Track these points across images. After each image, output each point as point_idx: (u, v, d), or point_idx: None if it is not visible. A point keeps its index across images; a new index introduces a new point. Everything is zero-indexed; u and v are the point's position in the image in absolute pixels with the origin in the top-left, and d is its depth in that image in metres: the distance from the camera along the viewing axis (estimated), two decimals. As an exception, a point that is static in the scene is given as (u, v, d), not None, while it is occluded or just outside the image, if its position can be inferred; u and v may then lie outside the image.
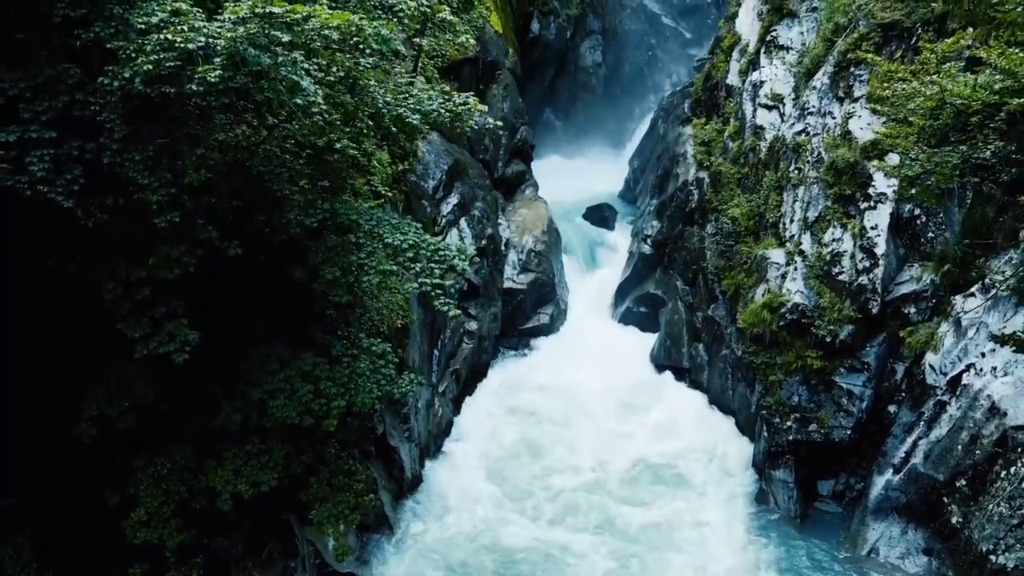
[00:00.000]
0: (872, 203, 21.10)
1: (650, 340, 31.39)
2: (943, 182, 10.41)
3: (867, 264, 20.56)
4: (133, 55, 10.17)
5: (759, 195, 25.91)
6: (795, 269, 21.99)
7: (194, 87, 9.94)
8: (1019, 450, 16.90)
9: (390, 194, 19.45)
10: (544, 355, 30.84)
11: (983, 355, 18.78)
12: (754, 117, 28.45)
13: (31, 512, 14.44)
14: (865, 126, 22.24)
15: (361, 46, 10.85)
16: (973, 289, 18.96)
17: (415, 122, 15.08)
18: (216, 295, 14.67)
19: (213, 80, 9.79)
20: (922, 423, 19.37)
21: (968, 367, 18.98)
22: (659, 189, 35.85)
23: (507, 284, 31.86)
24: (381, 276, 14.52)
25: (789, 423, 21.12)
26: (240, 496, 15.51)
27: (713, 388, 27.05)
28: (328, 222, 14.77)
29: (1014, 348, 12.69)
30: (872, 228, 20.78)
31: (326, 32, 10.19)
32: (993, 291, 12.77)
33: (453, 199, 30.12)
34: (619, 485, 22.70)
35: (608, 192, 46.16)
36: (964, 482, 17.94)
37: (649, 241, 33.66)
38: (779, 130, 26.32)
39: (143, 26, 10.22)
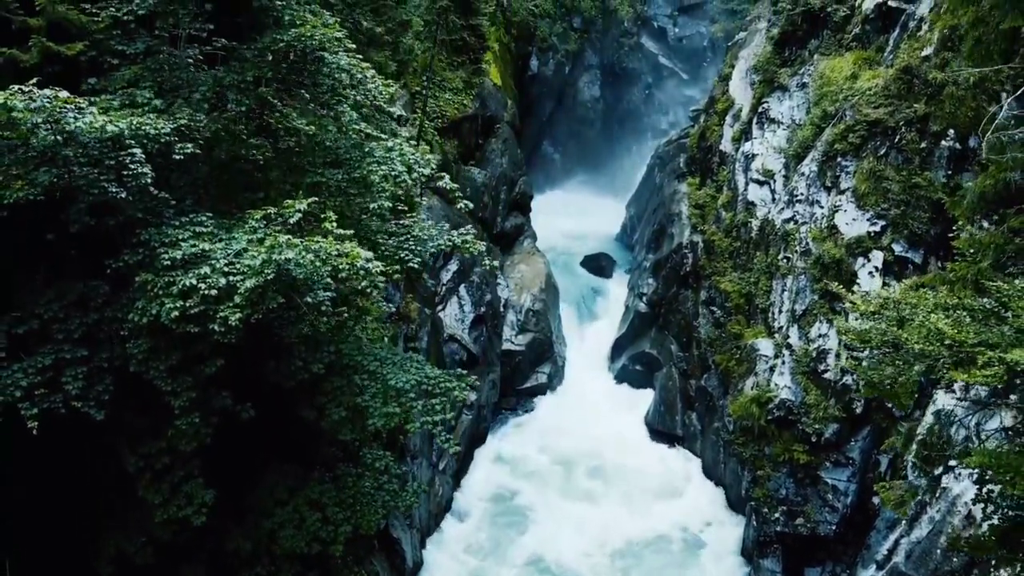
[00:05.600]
0: (857, 301, 21.86)
1: (645, 399, 32.20)
2: (904, 400, 11.15)
3: (852, 363, 21.31)
4: (160, 292, 10.98)
5: (750, 275, 26.67)
6: (783, 363, 22.78)
7: (216, 327, 10.75)
8: (994, 562, 17.68)
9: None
10: (542, 418, 31.57)
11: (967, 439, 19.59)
12: (746, 190, 29.22)
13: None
14: (851, 221, 23.02)
15: (366, 288, 11.68)
16: (955, 387, 19.75)
17: (416, 266, 15.87)
18: (227, 436, 15.44)
19: (233, 324, 10.59)
20: (904, 521, 20.14)
21: (948, 469, 19.78)
22: (655, 245, 36.61)
23: (505, 346, 32.60)
24: (385, 419, 15.27)
25: (777, 515, 21.93)
26: (251, 618, 16.32)
27: (706, 459, 27.87)
28: (334, 364, 15.56)
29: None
30: (857, 328, 21.54)
31: (336, 268, 10.99)
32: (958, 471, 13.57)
33: (453, 266, 30.83)
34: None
35: (606, 233, 47.02)
36: (943, 587, 18.71)
37: (645, 299, 34.45)
38: (769, 211, 27.08)
39: (168, 262, 11.02)
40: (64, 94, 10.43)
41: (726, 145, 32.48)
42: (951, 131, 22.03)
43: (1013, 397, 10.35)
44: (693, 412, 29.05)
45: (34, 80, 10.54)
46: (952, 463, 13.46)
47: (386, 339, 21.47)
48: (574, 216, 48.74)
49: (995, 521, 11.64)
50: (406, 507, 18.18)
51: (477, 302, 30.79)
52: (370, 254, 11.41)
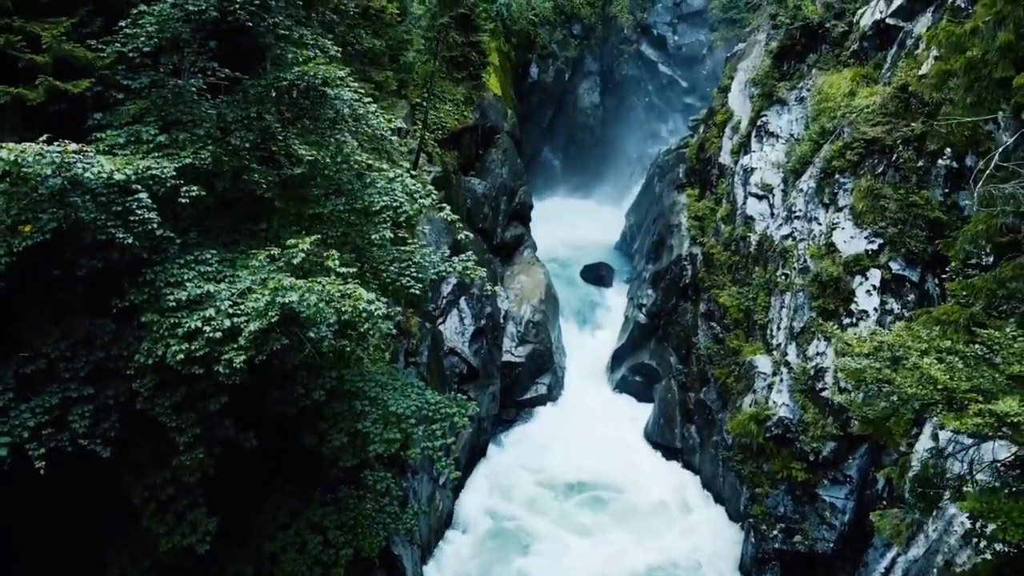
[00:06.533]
0: (855, 320, 22.02)
1: (644, 410, 32.34)
2: (899, 438, 11.29)
3: (847, 399, 21.43)
4: (165, 334, 11.14)
5: (749, 290, 26.81)
6: (781, 380, 22.93)
7: (221, 369, 10.91)
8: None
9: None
10: (541, 429, 31.59)
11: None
12: (745, 204, 29.35)
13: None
14: (849, 239, 23.15)
15: (367, 330, 11.85)
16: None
17: (417, 292, 16.03)
18: (229, 463, 15.59)
19: (238, 367, 10.76)
20: (901, 540, 20.31)
21: (944, 488, 19.94)
22: (654, 255, 36.75)
23: (505, 357, 32.70)
24: (385, 446, 15.42)
25: (775, 532, 22.09)
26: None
27: (705, 472, 28.02)
28: (336, 390, 15.70)
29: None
30: (854, 347, 21.68)
31: (339, 310, 11.15)
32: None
33: (453, 279, 30.89)
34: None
35: (606, 241, 47.13)
36: (939, 607, 18.86)
37: (644, 310, 34.58)
38: (768, 226, 27.22)
39: (173, 303, 11.18)
40: (73, 146, 10.57)
41: (725, 158, 32.62)
42: (948, 150, 22.19)
43: (1005, 431, 10.48)
44: (692, 425, 29.19)
45: (44, 137, 10.68)
46: (946, 496, 13.55)
47: (387, 355, 21.64)
48: (574, 223, 48.90)
49: (988, 556, 11.80)
50: (407, 530, 18.32)
51: (477, 315, 30.91)
52: (372, 296, 11.55)
